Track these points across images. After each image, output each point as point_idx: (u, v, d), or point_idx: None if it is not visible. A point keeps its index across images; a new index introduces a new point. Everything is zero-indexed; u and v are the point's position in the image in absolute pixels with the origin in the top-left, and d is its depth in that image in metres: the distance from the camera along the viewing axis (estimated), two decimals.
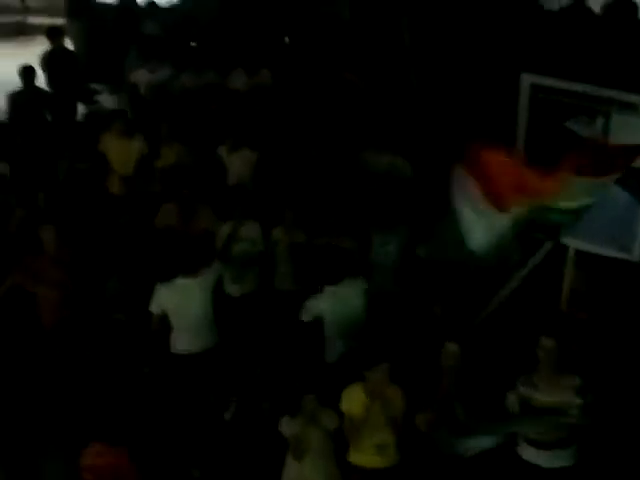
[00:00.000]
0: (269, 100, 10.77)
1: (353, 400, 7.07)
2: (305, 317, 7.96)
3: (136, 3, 13.53)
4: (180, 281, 8.12)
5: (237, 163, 9.89)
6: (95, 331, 8.66)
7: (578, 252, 7.78)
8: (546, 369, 6.86)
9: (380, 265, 8.57)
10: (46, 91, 11.60)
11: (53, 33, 12.06)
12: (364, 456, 7.18)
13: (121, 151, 10.17)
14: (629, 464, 7.18)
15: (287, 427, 7.19)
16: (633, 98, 7.32)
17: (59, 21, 14.54)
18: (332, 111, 10.38)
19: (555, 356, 6.84)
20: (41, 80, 11.61)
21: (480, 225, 6.84)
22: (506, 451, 7.04)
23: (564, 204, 6.86)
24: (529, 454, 6.93)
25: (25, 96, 11.20)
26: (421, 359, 7.38)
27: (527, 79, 7.70)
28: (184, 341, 8.17)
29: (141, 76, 11.34)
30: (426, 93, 10.27)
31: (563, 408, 6.76)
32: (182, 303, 8.07)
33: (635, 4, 10.10)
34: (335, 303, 7.92)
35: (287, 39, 12.16)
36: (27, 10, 18.81)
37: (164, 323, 8.13)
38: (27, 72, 11.22)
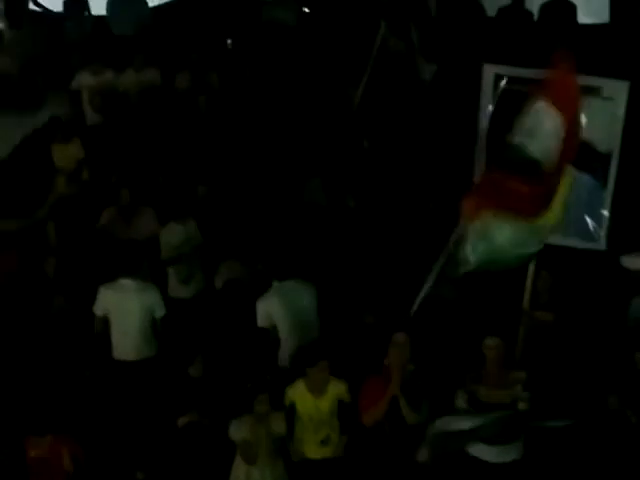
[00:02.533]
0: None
1: (296, 396, 6.97)
2: (260, 322, 7.74)
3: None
4: (122, 281, 7.92)
5: None
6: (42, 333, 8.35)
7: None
8: (492, 366, 6.86)
9: None
10: None
11: None
12: (307, 449, 7.03)
13: (61, 156, 10.18)
14: (576, 457, 7.17)
15: (236, 431, 6.95)
16: (594, 81, 7.13)
17: None
18: None
19: (501, 354, 6.86)
20: None
21: None
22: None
23: None
24: (477, 450, 6.81)
25: None
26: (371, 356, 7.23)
27: (490, 69, 7.44)
28: (123, 348, 7.89)
29: (84, 79, 10.99)
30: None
31: (510, 402, 6.70)
32: (122, 303, 7.83)
33: None
34: (286, 302, 7.69)
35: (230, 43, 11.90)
36: None
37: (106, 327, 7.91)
38: None
